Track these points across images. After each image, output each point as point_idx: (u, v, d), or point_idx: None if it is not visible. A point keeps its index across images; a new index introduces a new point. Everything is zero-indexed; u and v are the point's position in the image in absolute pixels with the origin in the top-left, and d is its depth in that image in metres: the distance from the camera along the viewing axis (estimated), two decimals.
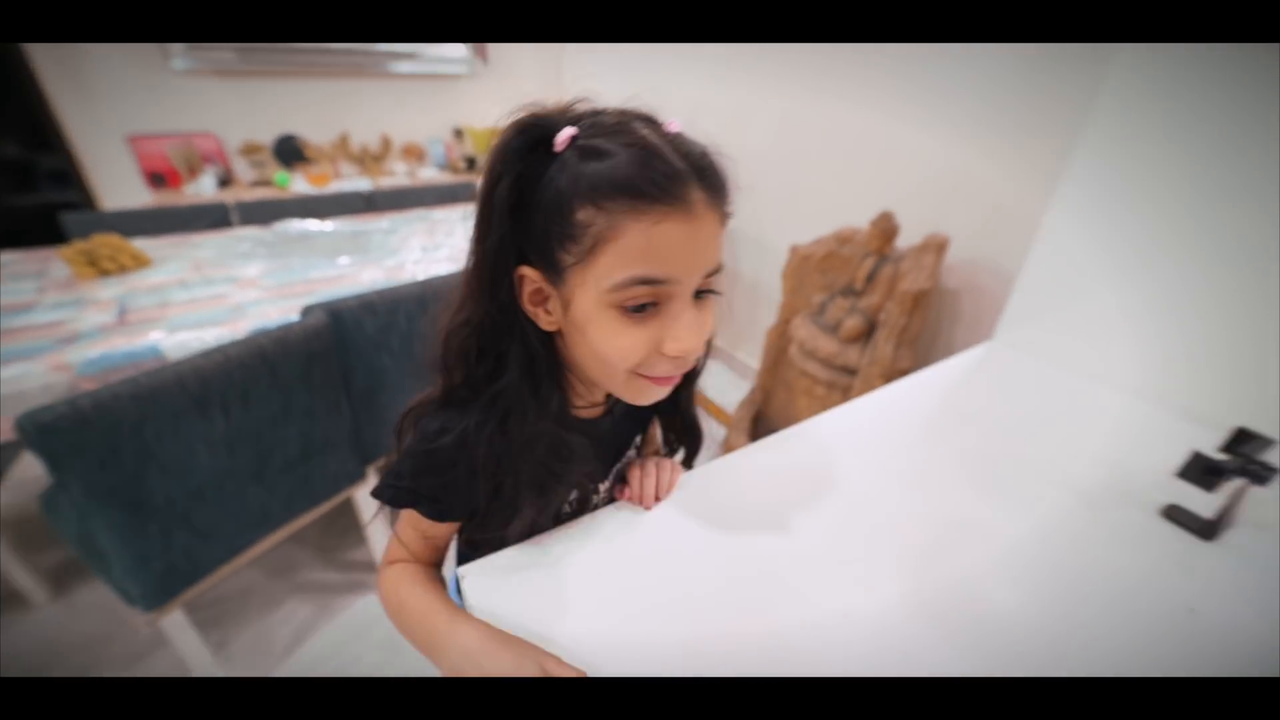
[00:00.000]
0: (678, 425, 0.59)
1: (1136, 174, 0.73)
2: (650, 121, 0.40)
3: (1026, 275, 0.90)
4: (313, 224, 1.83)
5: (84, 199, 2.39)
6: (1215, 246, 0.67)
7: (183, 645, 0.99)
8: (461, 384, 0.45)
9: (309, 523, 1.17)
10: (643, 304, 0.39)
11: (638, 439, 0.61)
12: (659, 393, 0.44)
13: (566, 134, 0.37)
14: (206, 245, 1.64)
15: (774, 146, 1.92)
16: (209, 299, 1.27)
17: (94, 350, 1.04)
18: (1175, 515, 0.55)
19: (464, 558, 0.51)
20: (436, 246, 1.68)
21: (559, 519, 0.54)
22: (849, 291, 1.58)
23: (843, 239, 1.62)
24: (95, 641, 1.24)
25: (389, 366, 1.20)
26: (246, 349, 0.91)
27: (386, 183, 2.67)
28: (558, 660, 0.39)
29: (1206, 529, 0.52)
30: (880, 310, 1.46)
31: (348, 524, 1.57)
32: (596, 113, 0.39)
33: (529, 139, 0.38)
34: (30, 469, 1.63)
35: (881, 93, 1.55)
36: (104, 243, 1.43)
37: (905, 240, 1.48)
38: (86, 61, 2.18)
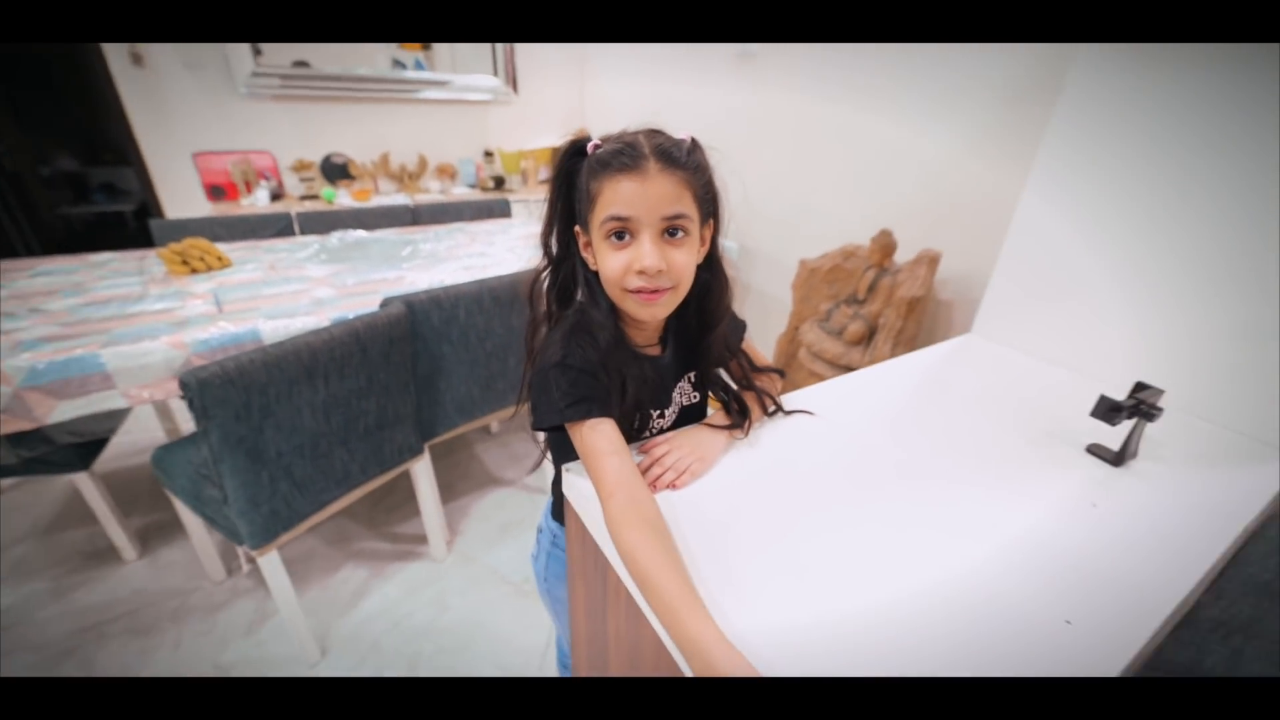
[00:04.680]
0: (730, 390, 0.74)
1: (1092, 181, 0.91)
2: (654, 132, 0.59)
3: (997, 277, 1.08)
4: (365, 233, 2.03)
5: (154, 209, 2.60)
6: (1163, 246, 0.84)
7: (275, 583, 1.15)
8: (547, 315, 0.66)
9: (360, 499, 1.32)
10: (619, 232, 0.57)
11: (683, 384, 0.72)
12: (650, 308, 0.60)
13: (592, 143, 0.59)
14: (275, 250, 1.84)
15: (785, 171, 2.11)
16: (291, 294, 1.45)
17: (204, 333, 1.21)
18: (1094, 449, 0.71)
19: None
20: (480, 254, 1.86)
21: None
22: (852, 300, 1.76)
23: (847, 254, 1.80)
24: (180, 593, 1.40)
25: (448, 354, 1.37)
26: (345, 330, 1.08)
27: (423, 199, 2.89)
28: None
29: (1116, 458, 0.69)
30: (880, 316, 1.63)
31: (395, 501, 1.72)
32: (620, 133, 0.60)
33: (574, 148, 0.60)
34: (120, 445, 1.80)
35: (883, 119, 1.74)
36: (194, 245, 1.62)
37: (902, 256, 1.66)
38: (164, 86, 2.42)
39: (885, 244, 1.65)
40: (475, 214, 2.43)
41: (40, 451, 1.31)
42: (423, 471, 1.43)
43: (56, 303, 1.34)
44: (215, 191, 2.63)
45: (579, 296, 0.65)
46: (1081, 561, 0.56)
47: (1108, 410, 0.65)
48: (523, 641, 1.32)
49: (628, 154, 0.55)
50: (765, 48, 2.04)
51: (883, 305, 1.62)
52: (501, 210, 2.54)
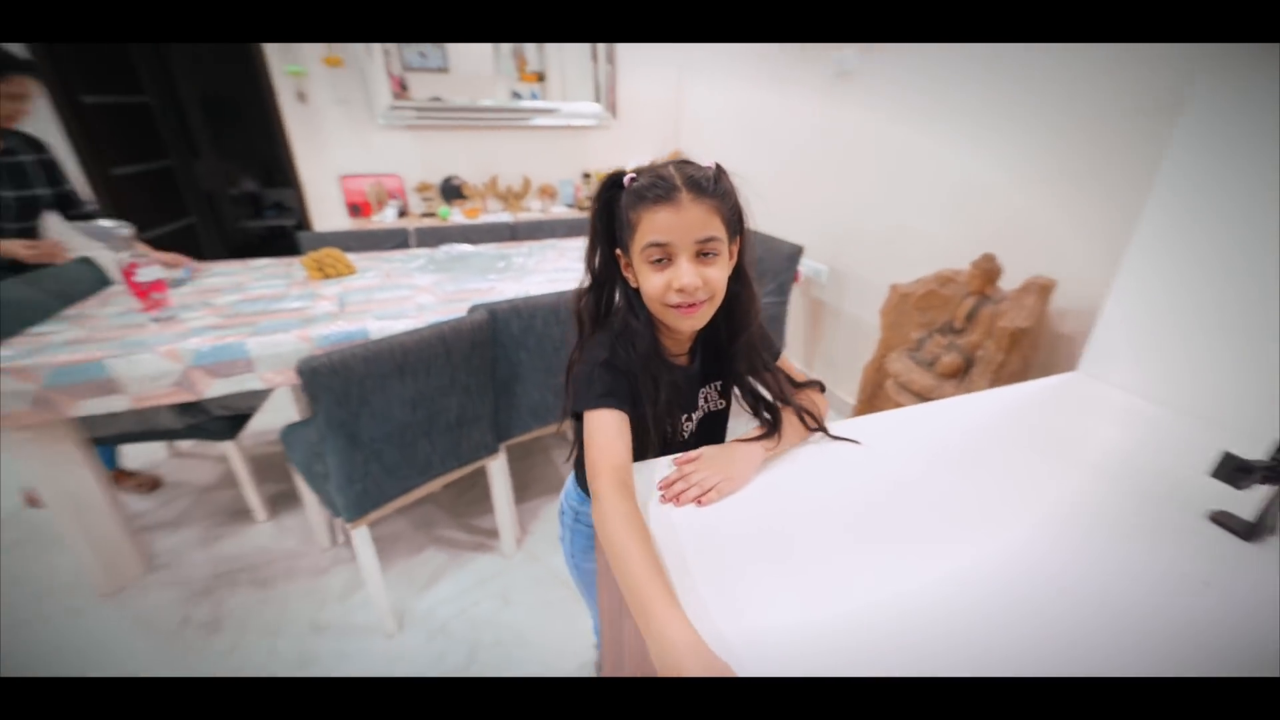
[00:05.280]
0: (762, 399, 0.76)
1: (1223, 201, 0.78)
2: (683, 163, 0.65)
3: (1110, 309, 0.95)
4: (468, 247, 2.22)
5: (303, 223, 3.04)
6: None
7: (363, 556, 1.29)
8: (592, 327, 0.73)
9: (445, 487, 1.44)
10: (658, 258, 0.64)
11: (708, 390, 0.79)
12: (687, 320, 0.66)
13: (628, 177, 0.65)
14: (392, 260, 2.07)
15: (880, 192, 2.01)
16: (398, 299, 1.63)
17: (325, 330, 1.40)
18: (1220, 518, 0.60)
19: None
20: (565, 269, 1.97)
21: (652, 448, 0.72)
22: (947, 329, 1.63)
23: (943, 279, 1.67)
24: (293, 555, 1.61)
25: (524, 361, 1.46)
26: (434, 332, 1.20)
27: (524, 217, 3.11)
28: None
29: (1248, 530, 0.57)
30: (978, 348, 1.50)
31: (476, 495, 1.85)
32: (651, 165, 0.66)
33: (612, 180, 0.67)
34: (260, 423, 2.10)
35: (987, 137, 1.61)
36: (328, 253, 1.88)
37: (1008, 283, 1.51)
38: (320, 119, 2.84)
39: (988, 269, 1.52)
40: (568, 231, 2.57)
41: (199, 420, 1.58)
42: (497, 469, 1.53)
43: (221, 298, 1.62)
44: (354, 209, 3.02)
45: (619, 306, 0.72)
46: (1179, 650, 0.47)
47: (1233, 470, 0.55)
48: (574, 645, 1.35)
49: (661, 187, 0.62)
50: (863, 65, 1.98)
51: (982, 336, 1.49)
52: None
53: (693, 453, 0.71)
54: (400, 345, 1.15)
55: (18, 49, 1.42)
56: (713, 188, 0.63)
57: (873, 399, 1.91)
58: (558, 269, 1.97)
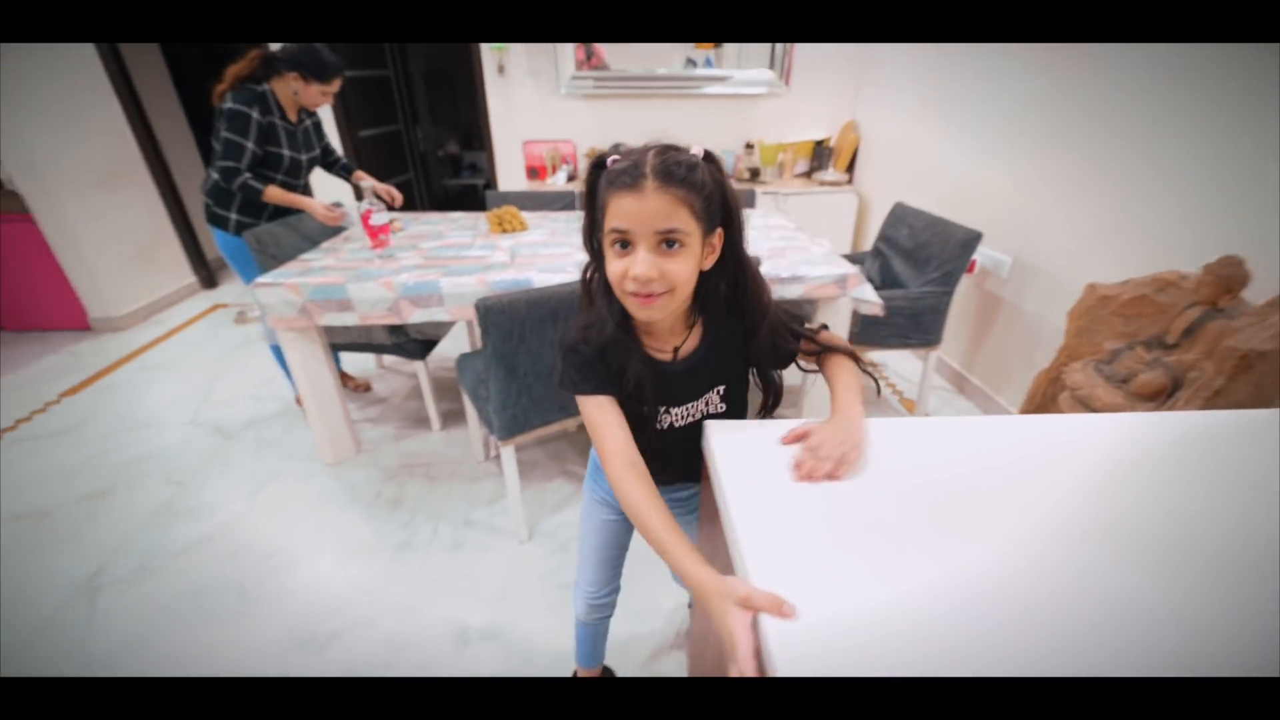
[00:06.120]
0: (763, 378, 0.81)
1: None
2: (665, 148, 0.63)
3: None
4: None
5: (490, 182, 3.46)
6: None
7: (508, 470, 1.52)
8: (588, 300, 0.77)
9: (579, 429, 1.60)
10: (621, 242, 0.63)
11: (712, 395, 0.78)
12: (644, 310, 0.66)
13: (611, 159, 0.65)
14: (558, 220, 2.29)
15: (1088, 176, 1.70)
16: (561, 255, 1.82)
17: (498, 276, 1.63)
18: None
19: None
20: None
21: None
22: (1155, 343, 1.37)
23: (1161, 283, 1.39)
24: (456, 461, 1.94)
25: None
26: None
27: None
28: (761, 594, 0.49)
29: None
30: (1193, 368, 1.24)
31: None
32: (640, 148, 0.65)
33: (596, 163, 0.67)
34: (444, 348, 2.51)
35: (1240, 111, 1.27)
36: (507, 211, 2.14)
37: (1253, 296, 1.22)
38: (513, 89, 3.17)
39: (1228, 276, 1.23)
40: None
41: (401, 340, 1.95)
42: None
43: (425, 243, 1.95)
44: (531, 172, 3.35)
45: (601, 287, 0.73)
46: None
47: None
48: (661, 605, 1.44)
49: (629, 173, 0.61)
50: None
51: (1201, 355, 1.23)
52: (747, 200, 2.64)
53: (800, 428, 0.71)
54: (557, 295, 1.31)
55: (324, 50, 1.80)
56: (684, 176, 0.61)
57: (1040, 412, 1.68)
58: None
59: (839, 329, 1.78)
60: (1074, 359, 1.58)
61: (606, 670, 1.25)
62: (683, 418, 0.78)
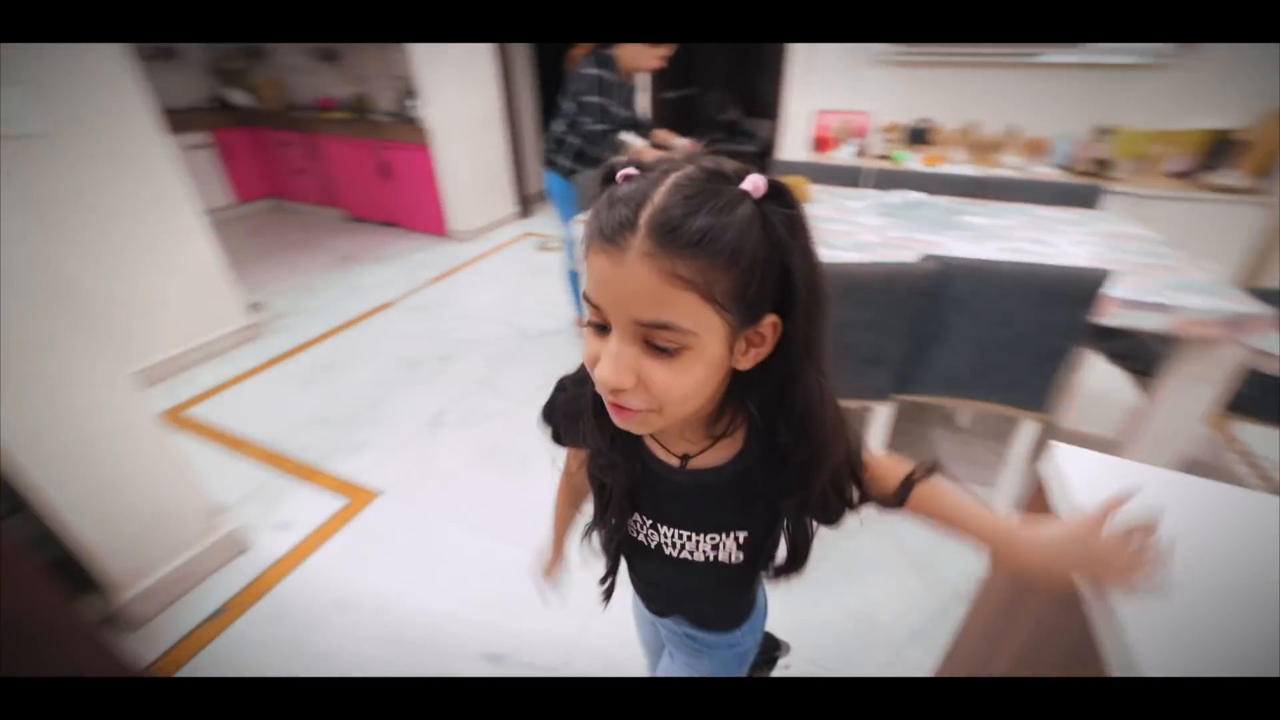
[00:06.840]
0: (793, 531, 0.57)
1: None
2: (694, 178, 0.38)
3: None
4: (922, 195, 2.14)
5: (767, 151, 3.47)
6: None
7: None
8: None
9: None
10: (597, 323, 0.41)
11: (727, 539, 0.56)
12: (619, 418, 0.44)
13: (621, 173, 0.41)
14: (841, 195, 2.19)
15: None
16: (843, 232, 1.76)
17: None
18: None
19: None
20: (1037, 240, 1.70)
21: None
22: None
23: None
24: None
25: (955, 324, 1.40)
26: (879, 270, 1.28)
27: (994, 172, 2.72)
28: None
29: None
30: None
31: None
32: (667, 155, 0.42)
33: (607, 173, 0.43)
34: None
35: None
36: (794, 180, 2.13)
37: None
38: (817, 56, 3.06)
39: None
40: (1051, 197, 2.15)
41: None
42: (880, 417, 1.57)
43: None
44: (817, 143, 3.25)
45: None
46: None
47: None
48: (890, 613, 1.38)
49: (617, 215, 0.37)
50: None
51: None
52: (1086, 198, 2.14)
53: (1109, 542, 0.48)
54: (846, 273, 1.28)
55: None
56: (700, 237, 0.35)
57: None
58: (1026, 238, 1.72)
59: (1204, 381, 1.35)
60: None
61: None
62: (675, 546, 0.58)
